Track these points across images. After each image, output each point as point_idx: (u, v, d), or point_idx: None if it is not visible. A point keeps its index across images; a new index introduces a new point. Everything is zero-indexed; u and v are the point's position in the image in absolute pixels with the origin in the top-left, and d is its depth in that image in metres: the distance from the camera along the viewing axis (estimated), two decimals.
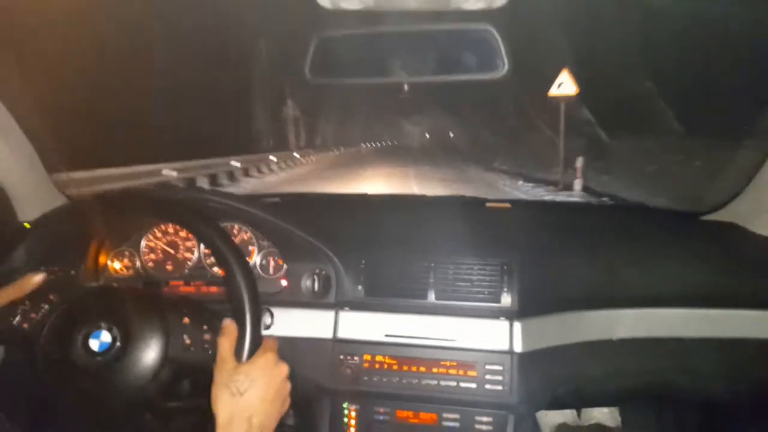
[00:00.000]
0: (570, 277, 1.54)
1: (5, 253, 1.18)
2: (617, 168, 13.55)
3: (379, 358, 1.42)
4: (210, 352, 1.09)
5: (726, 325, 1.50)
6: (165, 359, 1.05)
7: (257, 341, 1.06)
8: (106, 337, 1.03)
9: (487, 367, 1.38)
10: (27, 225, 1.42)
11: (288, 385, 1.04)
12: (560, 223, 1.80)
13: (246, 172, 16.54)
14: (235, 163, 15.79)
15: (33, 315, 1.09)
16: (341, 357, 1.43)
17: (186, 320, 1.11)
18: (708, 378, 1.57)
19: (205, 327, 1.11)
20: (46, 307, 1.10)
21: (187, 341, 1.09)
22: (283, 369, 1.03)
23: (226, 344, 1.02)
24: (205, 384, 1.00)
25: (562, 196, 11.67)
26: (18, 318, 1.09)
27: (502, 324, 1.39)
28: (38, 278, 1.10)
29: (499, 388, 1.37)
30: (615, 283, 1.54)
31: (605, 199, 10.81)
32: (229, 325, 1.04)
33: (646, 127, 14.34)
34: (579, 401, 1.92)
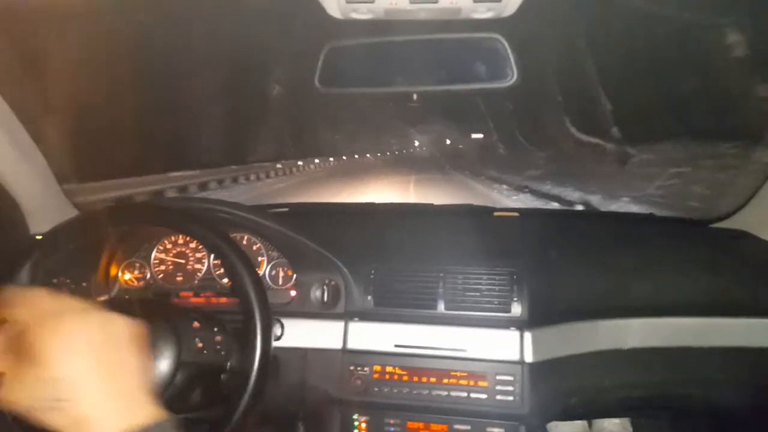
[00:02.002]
0: (579, 286, 1.53)
1: (17, 265, 1.18)
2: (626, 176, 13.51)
3: (389, 368, 1.41)
4: (223, 352, 1.09)
5: (737, 334, 1.49)
6: (178, 364, 1.04)
7: (267, 352, 1.05)
8: None
9: (498, 377, 1.37)
10: (39, 237, 1.43)
11: (106, 321, 0.68)
12: (569, 231, 1.79)
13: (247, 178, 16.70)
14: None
15: None
16: (351, 368, 1.42)
17: (196, 324, 1.11)
18: (720, 387, 1.55)
19: (215, 329, 1.12)
20: None
21: (200, 344, 1.09)
22: (94, 315, 0.67)
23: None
24: (216, 391, 0.99)
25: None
26: None
27: (513, 334, 1.38)
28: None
29: (510, 398, 1.35)
30: (625, 292, 1.53)
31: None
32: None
33: (655, 136, 14.31)
34: (590, 412, 1.90)
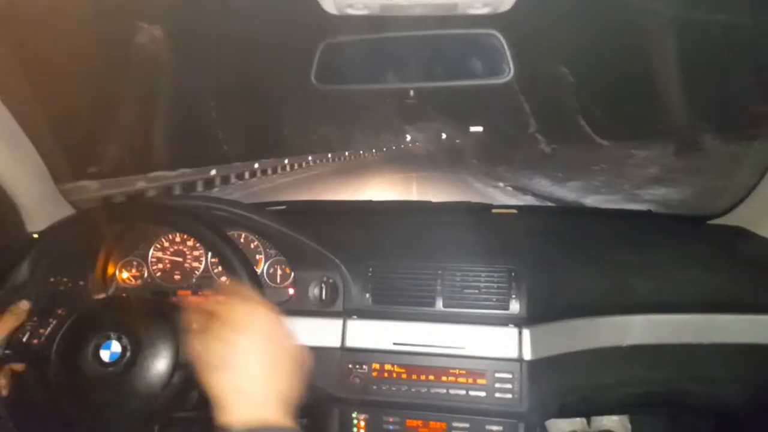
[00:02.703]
0: (578, 283, 1.53)
1: (14, 263, 1.18)
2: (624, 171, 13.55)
3: (387, 366, 1.41)
4: None
5: (736, 331, 1.49)
6: (176, 365, 1.04)
7: None
8: (116, 346, 1.03)
9: (497, 375, 1.36)
10: (35, 235, 1.43)
11: (285, 329, 0.84)
12: (567, 228, 1.79)
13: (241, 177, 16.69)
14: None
15: (42, 330, 1.09)
16: (350, 366, 1.42)
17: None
18: (720, 384, 1.55)
19: None
20: (54, 321, 1.10)
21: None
22: (260, 310, 0.83)
23: (195, 315, 0.88)
24: None
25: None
26: (27, 335, 1.09)
27: (511, 331, 1.38)
28: (25, 306, 1.11)
29: (509, 396, 1.35)
30: (623, 289, 1.53)
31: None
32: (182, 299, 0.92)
33: (652, 132, 14.35)
34: (589, 409, 1.90)
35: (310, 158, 24.62)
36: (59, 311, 1.12)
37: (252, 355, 0.76)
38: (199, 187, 13.51)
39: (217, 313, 0.81)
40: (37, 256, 1.21)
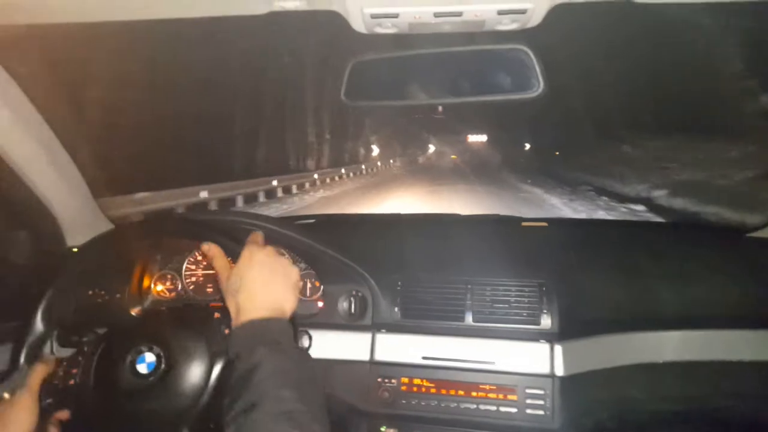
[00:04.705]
0: (611, 298, 1.50)
1: (54, 277, 1.22)
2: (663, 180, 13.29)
3: (416, 381, 1.41)
4: None
5: None
6: (208, 381, 1.06)
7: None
8: (150, 358, 1.05)
9: (528, 391, 1.35)
10: (75, 250, 1.47)
11: (282, 262, 1.07)
12: (599, 241, 1.76)
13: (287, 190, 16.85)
14: (274, 182, 16.07)
15: (74, 371, 1.11)
16: (378, 380, 1.42)
17: (227, 331, 1.12)
18: (756, 401, 1.50)
19: None
20: (82, 359, 1.13)
21: (226, 330, 1.10)
22: (267, 250, 1.07)
23: (217, 261, 1.09)
24: None
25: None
26: (61, 379, 1.11)
27: (543, 347, 1.36)
28: (52, 357, 1.15)
29: (541, 413, 1.33)
30: (658, 303, 1.49)
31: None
32: (209, 247, 1.12)
33: (687, 144, 14.05)
34: (623, 426, 1.85)
35: (342, 171, 24.82)
36: (85, 348, 1.14)
37: (251, 281, 1.01)
38: (239, 203, 13.70)
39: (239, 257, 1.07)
40: (76, 270, 1.25)
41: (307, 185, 17.35)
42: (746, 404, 1.51)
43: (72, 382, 1.11)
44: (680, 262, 1.59)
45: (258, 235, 1.13)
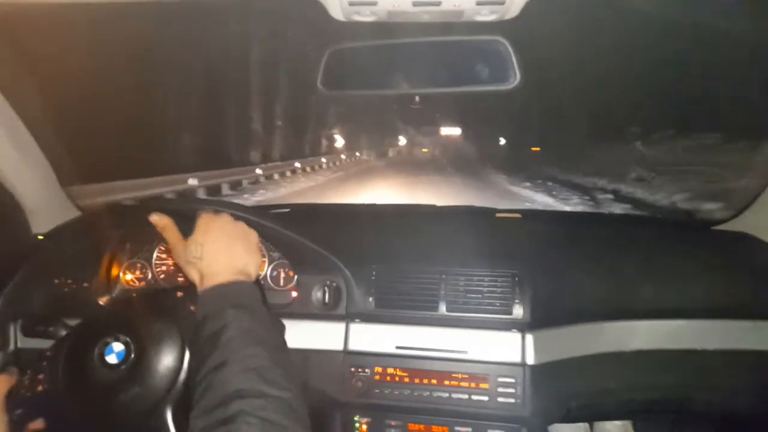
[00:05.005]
0: (582, 289, 1.53)
1: (19, 265, 1.19)
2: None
3: (390, 370, 1.41)
4: None
5: (741, 337, 1.49)
6: (182, 362, 1.04)
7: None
8: (118, 347, 1.03)
9: (500, 379, 1.37)
10: (40, 237, 1.44)
11: (239, 225, 1.09)
12: (571, 233, 1.79)
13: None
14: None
15: (40, 377, 1.07)
16: (352, 369, 1.42)
17: (193, 308, 1.09)
18: (723, 390, 1.55)
19: None
20: (45, 362, 1.09)
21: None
22: (223, 217, 1.08)
23: (169, 233, 1.09)
24: None
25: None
26: (27, 386, 1.07)
27: (514, 336, 1.38)
28: (13, 370, 1.10)
29: (512, 401, 1.35)
30: (627, 294, 1.53)
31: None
32: (158, 219, 1.10)
33: (656, 136, 14.33)
34: (592, 414, 1.89)
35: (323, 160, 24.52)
36: (48, 353, 1.10)
37: (212, 247, 1.01)
38: (225, 191, 13.44)
39: (195, 225, 1.06)
40: (42, 257, 1.22)
41: (244, 183, 16.31)
42: (713, 393, 1.56)
43: (40, 388, 1.06)
44: (650, 254, 1.63)
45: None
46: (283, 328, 1.03)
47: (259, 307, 0.98)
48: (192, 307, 1.08)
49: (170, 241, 1.08)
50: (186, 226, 1.07)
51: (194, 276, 1.01)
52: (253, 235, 1.09)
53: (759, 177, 1.71)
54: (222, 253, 1.01)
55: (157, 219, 1.09)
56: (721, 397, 1.56)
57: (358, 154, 33.51)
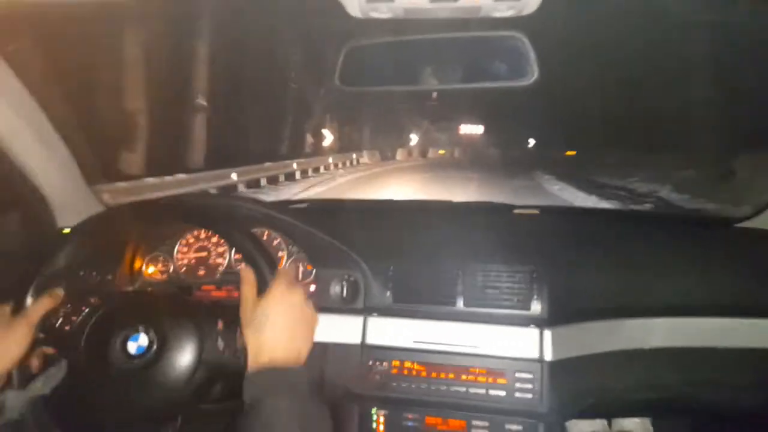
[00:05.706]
0: (601, 285, 1.52)
1: (45, 258, 1.22)
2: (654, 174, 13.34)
3: (407, 364, 1.42)
4: (242, 358, 1.11)
5: (762, 335, 1.47)
6: (199, 362, 1.07)
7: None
8: (143, 340, 1.06)
9: (517, 375, 1.37)
10: (65, 231, 1.47)
11: (309, 308, 1.08)
12: (590, 230, 1.78)
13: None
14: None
15: (74, 318, 1.13)
16: (370, 363, 1.43)
17: (220, 325, 1.13)
18: (747, 389, 1.53)
19: (238, 332, 1.12)
20: (86, 309, 1.14)
21: (221, 346, 1.11)
22: (298, 293, 1.07)
23: (247, 287, 1.09)
24: (236, 387, 1.01)
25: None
26: (60, 320, 1.13)
27: (532, 332, 1.38)
28: (60, 293, 1.17)
29: (529, 396, 1.35)
30: (647, 291, 1.51)
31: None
32: (246, 271, 1.11)
33: (678, 135, 14.11)
34: (610, 411, 1.88)
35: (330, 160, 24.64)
36: (92, 300, 1.16)
37: (277, 322, 1.01)
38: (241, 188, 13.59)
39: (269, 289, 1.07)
40: (67, 251, 1.25)
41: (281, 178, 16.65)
42: (732, 391, 1.54)
43: (68, 327, 1.12)
44: (669, 251, 1.61)
45: (291, 270, 1.20)
46: (327, 413, 1.03)
47: (307, 392, 0.98)
48: (220, 324, 1.13)
49: (245, 296, 1.08)
50: (261, 280, 1.10)
51: (251, 341, 1.01)
52: (315, 321, 1.10)
53: None
54: (285, 333, 1.02)
55: (246, 272, 1.11)
56: (740, 396, 1.54)
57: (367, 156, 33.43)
